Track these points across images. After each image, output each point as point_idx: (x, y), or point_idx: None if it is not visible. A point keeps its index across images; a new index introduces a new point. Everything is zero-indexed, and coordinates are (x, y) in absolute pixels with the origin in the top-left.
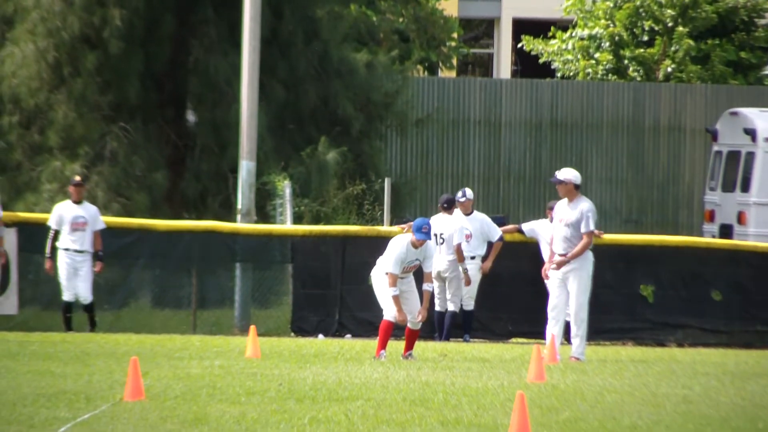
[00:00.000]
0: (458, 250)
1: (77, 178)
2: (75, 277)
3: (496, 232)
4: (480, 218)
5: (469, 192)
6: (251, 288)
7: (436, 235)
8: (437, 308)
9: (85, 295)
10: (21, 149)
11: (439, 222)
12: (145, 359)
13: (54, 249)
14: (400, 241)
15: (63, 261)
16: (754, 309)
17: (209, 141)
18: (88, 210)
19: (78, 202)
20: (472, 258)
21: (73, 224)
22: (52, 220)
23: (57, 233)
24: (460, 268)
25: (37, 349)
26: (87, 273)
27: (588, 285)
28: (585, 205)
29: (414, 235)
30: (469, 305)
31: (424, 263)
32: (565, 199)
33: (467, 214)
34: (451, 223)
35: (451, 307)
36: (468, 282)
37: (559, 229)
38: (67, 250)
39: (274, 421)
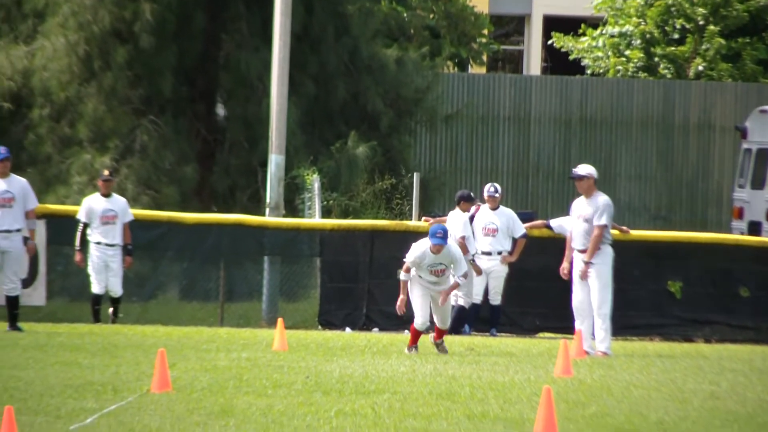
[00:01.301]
0: (461, 243)
1: (105, 172)
2: (106, 270)
3: (520, 229)
4: (507, 213)
5: (495, 187)
6: (279, 281)
7: None
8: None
9: (116, 289)
10: (51, 142)
11: (451, 219)
12: (172, 351)
13: (84, 242)
14: (420, 246)
15: (94, 255)
16: None
17: (239, 135)
18: (117, 203)
19: (107, 195)
20: (499, 253)
21: (103, 218)
22: (81, 213)
23: (86, 226)
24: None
25: (64, 341)
26: (118, 267)
27: (609, 279)
28: (602, 199)
29: (430, 241)
30: (496, 300)
31: (454, 268)
32: (582, 196)
33: (494, 209)
34: (458, 218)
35: (461, 301)
36: (479, 272)
37: (578, 224)
38: (98, 244)
39: (301, 413)
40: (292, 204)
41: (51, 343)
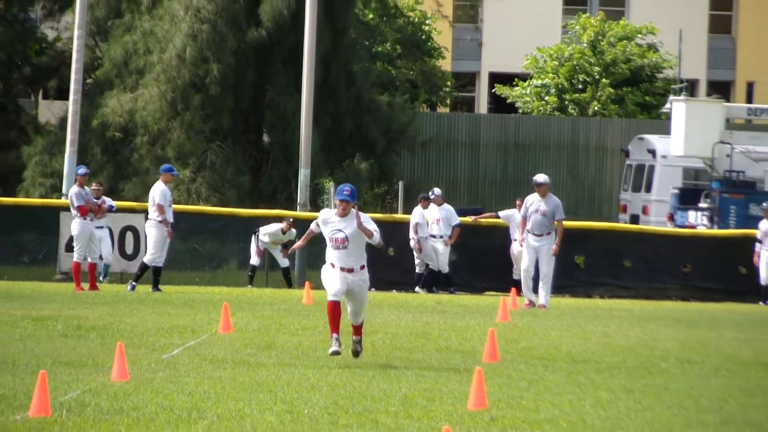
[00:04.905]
0: (415, 227)
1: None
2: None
3: (455, 219)
4: (447, 208)
5: (438, 190)
6: (306, 255)
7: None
8: (417, 270)
9: (284, 264)
10: (148, 159)
11: (414, 212)
12: (233, 305)
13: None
14: (326, 210)
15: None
16: (654, 273)
17: (279, 155)
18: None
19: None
20: (441, 237)
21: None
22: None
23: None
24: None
25: (158, 297)
26: (279, 252)
27: (552, 255)
28: (556, 200)
29: (336, 198)
30: (445, 269)
31: (366, 223)
32: (536, 195)
33: (439, 206)
34: (416, 211)
35: (422, 268)
36: (420, 250)
37: (536, 217)
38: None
39: (322, 347)
40: (316, 203)
41: (148, 299)
